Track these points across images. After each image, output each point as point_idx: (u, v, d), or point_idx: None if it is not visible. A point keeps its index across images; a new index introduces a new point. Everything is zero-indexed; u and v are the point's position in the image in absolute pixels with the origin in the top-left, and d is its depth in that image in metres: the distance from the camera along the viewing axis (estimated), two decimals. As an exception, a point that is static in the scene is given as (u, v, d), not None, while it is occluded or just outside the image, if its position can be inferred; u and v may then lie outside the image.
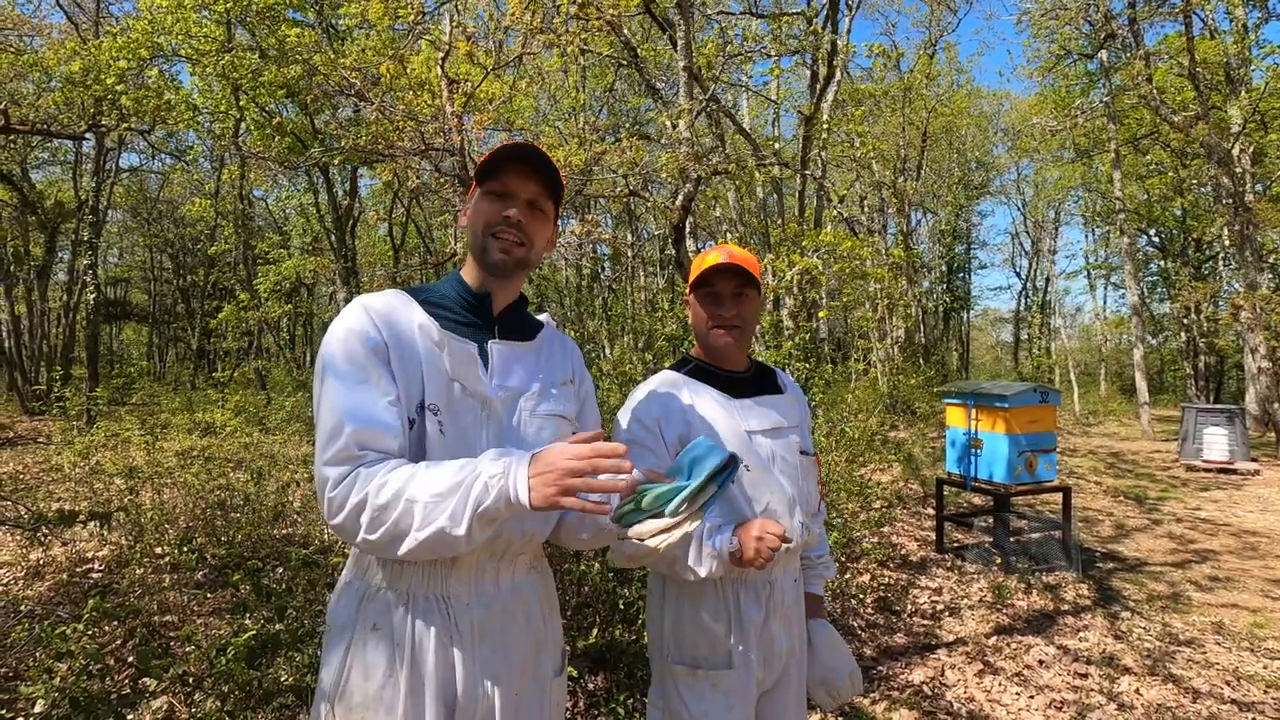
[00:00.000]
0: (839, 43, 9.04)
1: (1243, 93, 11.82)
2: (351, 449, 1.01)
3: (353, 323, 1.07)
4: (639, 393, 1.53)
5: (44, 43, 12.94)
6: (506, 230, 1.16)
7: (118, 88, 8.97)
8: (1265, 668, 3.36)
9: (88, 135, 12.08)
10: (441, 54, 4.76)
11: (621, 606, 2.66)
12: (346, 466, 1.01)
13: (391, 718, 1.06)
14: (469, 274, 1.22)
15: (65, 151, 17.23)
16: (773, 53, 9.42)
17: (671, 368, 1.60)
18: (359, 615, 1.10)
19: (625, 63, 6.84)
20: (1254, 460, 9.22)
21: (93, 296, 13.58)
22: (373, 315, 1.09)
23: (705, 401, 1.50)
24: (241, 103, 11.00)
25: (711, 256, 1.51)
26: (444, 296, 1.19)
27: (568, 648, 2.40)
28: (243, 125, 12.35)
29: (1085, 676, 3.23)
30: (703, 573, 1.36)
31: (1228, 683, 3.20)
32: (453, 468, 0.99)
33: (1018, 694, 3.07)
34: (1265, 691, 3.12)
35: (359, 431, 1.01)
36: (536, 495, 0.93)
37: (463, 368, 1.12)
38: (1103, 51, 13.77)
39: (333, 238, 13.08)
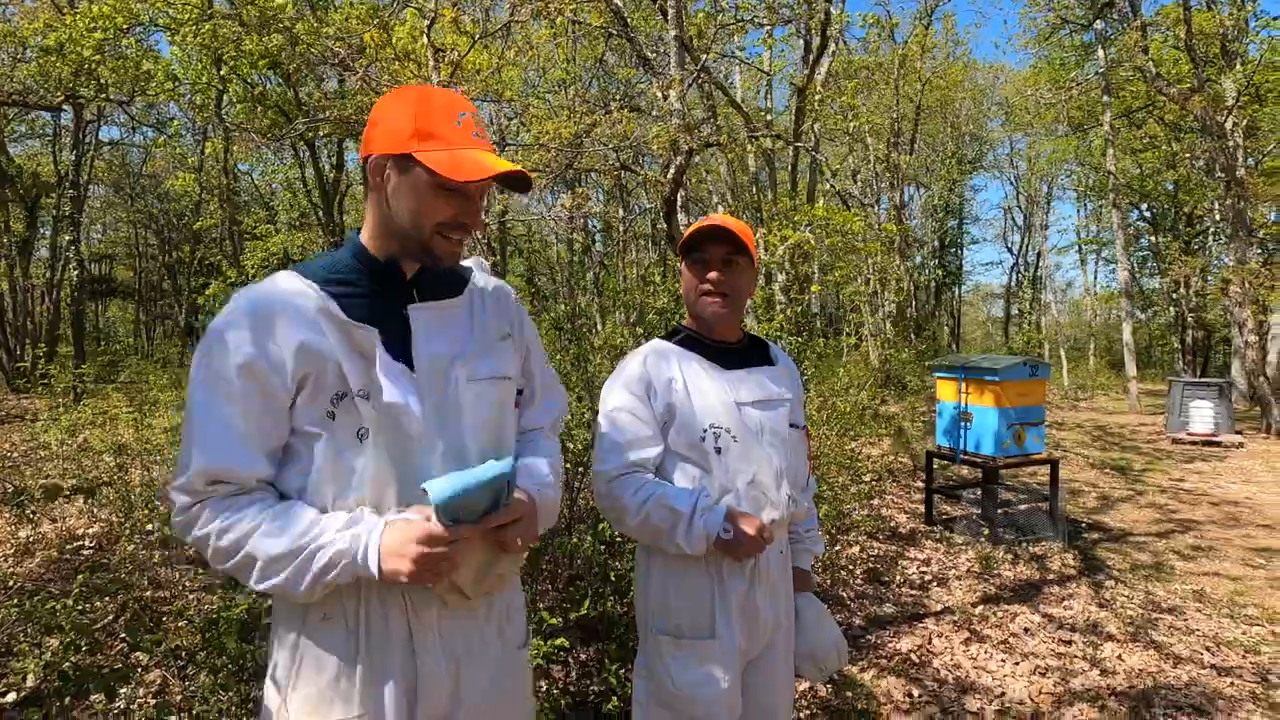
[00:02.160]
0: (832, 11, 8.88)
1: (1238, 65, 11.73)
2: (198, 484, 0.98)
3: (229, 331, 0.98)
4: (628, 361, 1.52)
5: (17, 10, 12.56)
6: (457, 230, 1.09)
7: (95, 58, 8.73)
8: (1244, 633, 3.44)
9: (65, 107, 11.81)
10: (427, 22, 4.65)
11: (613, 578, 2.67)
12: (190, 498, 0.99)
13: (349, 708, 1.03)
14: (375, 242, 1.10)
15: (44, 124, 16.87)
16: (765, 22, 9.27)
17: (662, 337, 1.59)
18: (307, 605, 1.04)
19: (615, 33, 6.71)
20: (1238, 433, 9.34)
21: (76, 273, 13.40)
22: (258, 316, 0.99)
23: (694, 371, 1.49)
24: (223, 73, 10.74)
25: (703, 222, 1.50)
26: (347, 269, 1.08)
27: (557, 621, 2.42)
28: (225, 97, 12.08)
29: (1069, 643, 3.29)
30: (689, 551, 1.37)
31: (1208, 648, 3.27)
32: (296, 529, 0.98)
33: (1003, 661, 3.12)
34: (1244, 656, 3.19)
35: (210, 469, 0.98)
36: (387, 569, 0.98)
37: (369, 353, 1.03)
38: (1099, 21, 13.61)
39: (320, 212, 12.91)
